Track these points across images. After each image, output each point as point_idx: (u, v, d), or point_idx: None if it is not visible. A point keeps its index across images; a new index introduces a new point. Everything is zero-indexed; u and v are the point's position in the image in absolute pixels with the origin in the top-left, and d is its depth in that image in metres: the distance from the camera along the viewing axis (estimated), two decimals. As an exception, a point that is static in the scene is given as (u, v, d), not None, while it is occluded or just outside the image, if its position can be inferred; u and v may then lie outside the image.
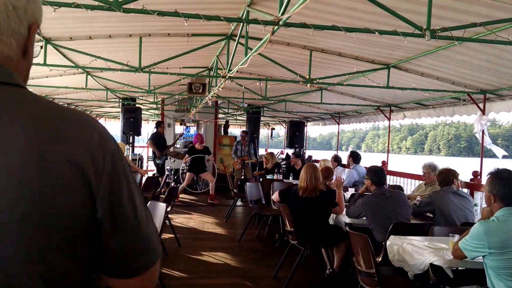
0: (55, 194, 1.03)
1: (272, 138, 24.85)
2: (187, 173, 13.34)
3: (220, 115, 19.27)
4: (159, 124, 14.48)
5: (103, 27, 7.13)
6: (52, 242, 1.04)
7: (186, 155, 13.15)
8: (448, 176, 6.12)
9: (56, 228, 1.04)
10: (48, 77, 10.38)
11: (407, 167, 13.34)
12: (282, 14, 4.32)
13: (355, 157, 10.65)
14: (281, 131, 25.57)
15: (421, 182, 8.35)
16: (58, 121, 1.09)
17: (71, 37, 7.46)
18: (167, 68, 9.30)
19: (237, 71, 7.29)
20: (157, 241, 1.24)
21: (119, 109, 17.01)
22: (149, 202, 6.57)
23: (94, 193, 1.08)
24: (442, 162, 9.19)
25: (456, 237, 4.19)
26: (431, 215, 6.06)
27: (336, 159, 11.45)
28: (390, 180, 11.31)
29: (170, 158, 14.94)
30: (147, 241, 1.19)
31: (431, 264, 4.15)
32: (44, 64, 7.47)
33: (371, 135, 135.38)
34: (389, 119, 12.42)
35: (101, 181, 1.08)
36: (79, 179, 1.05)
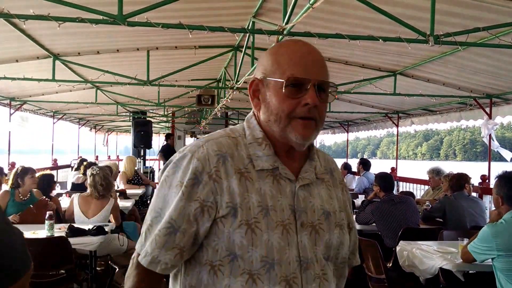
0: None
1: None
2: None
3: (230, 126, 19.37)
4: (168, 137, 14.84)
5: (110, 41, 7.20)
6: None
7: None
8: (460, 181, 6.13)
9: None
10: (58, 93, 10.51)
11: (422, 173, 13.29)
12: (286, 23, 4.38)
13: (365, 164, 10.64)
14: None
15: (429, 187, 8.41)
16: None
17: (79, 52, 7.53)
18: (176, 81, 9.38)
19: (245, 82, 7.34)
20: (19, 254, 1.28)
21: (130, 123, 17.18)
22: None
23: None
24: (458, 167, 9.23)
25: (466, 240, 4.20)
26: (441, 220, 6.06)
27: (346, 167, 11.48)
28: (401, 187, 11.31)
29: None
30: (1, 256, 1.21)
31: (440, 268, 4.15)
32: (53, 79, 7.54)
33: (386, 141, 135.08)
34: (397, 125, 12.41)
35: None
36: None
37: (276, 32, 4.62)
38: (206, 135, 1.58)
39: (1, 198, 5.78)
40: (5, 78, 7.53)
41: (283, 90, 1.41)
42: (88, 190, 5.94)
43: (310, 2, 3.67)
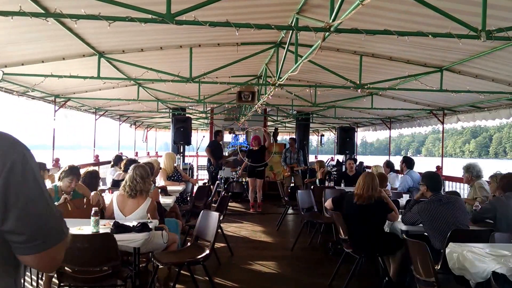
0: None
1: (322, 144, 24.61)
2: (249, 179, 13.53)
3: (269, 123, 19.31)
4: (217, 133, 14.94)
5: (154, 39, 7.26)
6: None
7: (246, 159, 13.41)
8: (511, 181, 5.92)
9: None
10: (101, 90, 10.68)
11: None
12: (333, 20, 4.29)
13: (408, 163, 10.41)
14: (330, 137, 25.34)
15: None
16: None
17: (123, 50, 7.63)
18: (216, 77, 9.39)
19: (288, 78, 7.28)
20: (55, 228, 1.62)
21: (169, 119, 17.30)
22: (202, 211, 6.62)
23: None
24: (509, 166, 8.99)
25: (519, 244, 4.06)
26: (491, 221, 5.87)
27: (389, 165, 11.28)
28: (447, 186, 11.04)
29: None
30: (40, 227, 1.56)
31: (493, 272, 4.01)
32: (98, 77, 7.65)
33: (431, 138, 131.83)
34: (442, 122, 12.13)
35: None
36: None
37: (323, 29, 4.53)
38: None
39: None
40: (52, 76, 7.67)
41: None
42: (120, 188, 5.96)
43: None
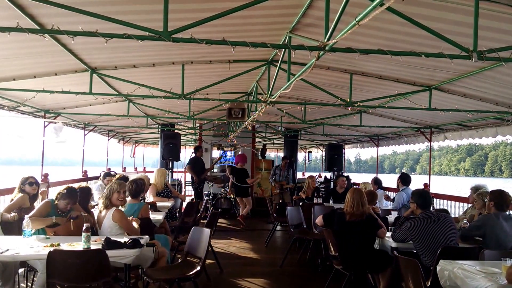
0: None
1: (309, 161, 24.67)
2: (237, 198, 13.68)
3: (257, 139, 19.32)
4: (197, 149, 14.79)
5: (147, 55, 7.27)
6: None
7: (231, 175, 13.44)
8: (505, 199, 5.97)
9: None
10: (91, 105, 10.64)
11: (464, 191, 12.97)
12: (328, 39, 4.34)
13: (403, 179, 10.42)
14: (317, 154, 25.41)
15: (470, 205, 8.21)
16: None
17: (115, 66, 7.62)
18: (207, 94, 9.42)
19: (279, 96, 7.33)
20: None
21: (158, 135, 17.25)
22: (193, 227, 6.60)
23: None
24: (505, 185, 9.02)
25: (509, 261, 4.11)
26: (480, 239, 5.91)
27: (376, 182, 11.31)
28: (436, 204, 11.10)
29: (208, 183, 15.05)
30: None
31: (484, 289, 4.05)
32: (90, 93, 7.64)
33: (425, 156, 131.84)
34: (430, 140, 12.25)
35: None
36: None
37: (318, 48, 4.58)
38: None
39: (44, 207, 5.83)
40: (44, 91, 7.63)
41: None
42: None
43: (357, 20, 3.63)
